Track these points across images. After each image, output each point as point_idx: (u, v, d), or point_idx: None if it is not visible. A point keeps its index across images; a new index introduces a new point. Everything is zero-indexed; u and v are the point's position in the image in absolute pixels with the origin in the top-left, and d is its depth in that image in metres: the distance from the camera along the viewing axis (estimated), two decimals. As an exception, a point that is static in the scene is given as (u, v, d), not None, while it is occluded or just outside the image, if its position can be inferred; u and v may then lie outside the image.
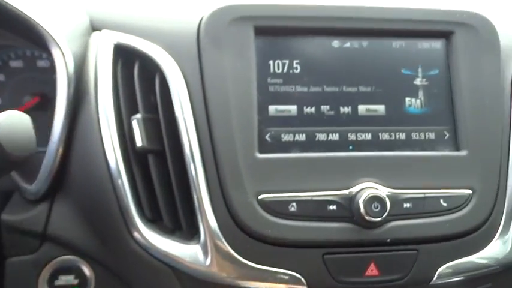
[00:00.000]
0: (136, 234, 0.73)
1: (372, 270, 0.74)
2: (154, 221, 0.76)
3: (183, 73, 0.76)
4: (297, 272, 0.73)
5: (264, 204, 0.73)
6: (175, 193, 0.74)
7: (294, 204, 0.73)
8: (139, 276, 0.77)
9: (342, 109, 0.79)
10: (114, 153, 0.74)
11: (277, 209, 0.73)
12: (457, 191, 0.77)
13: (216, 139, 0.73)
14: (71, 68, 0.75)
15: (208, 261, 0.72)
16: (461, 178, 0.78)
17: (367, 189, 0.74)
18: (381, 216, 0.72)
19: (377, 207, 0.72)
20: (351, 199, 0.74)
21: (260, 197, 0.73)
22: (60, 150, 0.76)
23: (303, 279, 0.73)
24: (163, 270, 0.74)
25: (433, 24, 0.82)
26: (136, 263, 0.75)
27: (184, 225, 0.75)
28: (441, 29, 0.82)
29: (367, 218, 0.72)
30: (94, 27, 0.83)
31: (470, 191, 0.77)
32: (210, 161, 0.73)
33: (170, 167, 0.74)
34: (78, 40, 0.80)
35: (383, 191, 0.74)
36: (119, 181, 0.74)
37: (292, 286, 0.73)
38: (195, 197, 0.73)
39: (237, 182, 0.73)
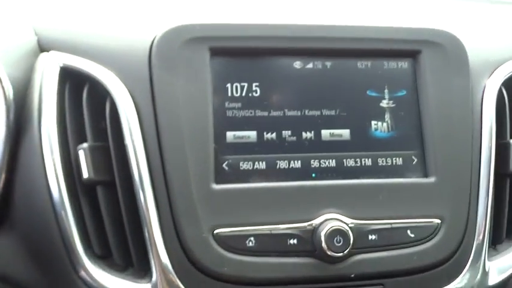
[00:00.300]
0: (82, 272, 0.68)
1: None
2: (103, 257, 0.71)
3: (133, 98, 0.71)
4: None
5: (220, 240, 0.68)
6: (126, 227, 0.69)
7: (252, 238, 0.69)
8: None
9: (304, 134, 0.74)
10: (58, 184, 0.68)
11: (234, 244, 0.68)
12: (425, 221, 0.73)
13: (169, 169, 0.69)
14: (10, 94, 0.69)
15: None
16: (429, 206, 0.74)
17: (330, 221, 0.69)
18: (344, 251, 0.68)
19: (339, 242, 0.68)
20: (313, 232, 0.69)
21: (216, 231, 0.68)
22: (3, 176, 0.71)
23: None
24: None
25: (399, 43, 0.78)
26: None
27: (136, 262, 0.70)
28: (408, 48, 0.78)
29: (329, 253, 0.68)
30: (42, 48, 0.77)
31: (439, 220, 0.73)
32: (162, 193, 0.68)
33: (120, 200, 0.69)
34: (22, 62, 0.74)
35: (347, 223, 0.70)
36: (63, 214, 0.68)
37: None
38: (145, 232, 0.68)
39: (191, 215, 0.68)
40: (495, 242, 0.81)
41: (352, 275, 0.70)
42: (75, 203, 0.69)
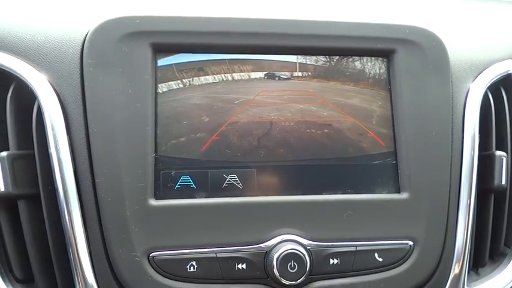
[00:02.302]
0: None
1: None
2: (26, 282, 0.62)
3: (61, 101, 0.62)
4: None
5: (156, 264, 0.59)
6: (51, 248, 0.61)
7: (194, 263, 0.60)
8: None
9: None
10: None
11: (173, 270, 0.59)
12: (395, 243, 0.64)
13: (99, 182, 0.60)
14: None
15: None
16: (401, 226, 0.65)
17: (284, 243, 0.61)
18: (299, 279, 0.59)
19: (294, 268, 0.59)
20: (265, 255, 0.61)
21: (152, 254, 0.59)
22: None
23: None
24: None
25: (371, 41, 0.69)
26: None
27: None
28: (381, 47, 0.69)
29: (283, 281, 0.59)
30: None
31: (411, 242, 0.65)
32: (91, 208, 0.60)
33: (45, 215, 0.61)
34: None
35: (304, 245, 0.61)
36: None
37: None
38: (70, 254, 0.59)
39: (124, 236, 0.59)
40: (477, 265, 0.72)
41: None
42: None
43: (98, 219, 0.60)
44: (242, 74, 0.66)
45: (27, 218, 0.61)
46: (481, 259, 0.71)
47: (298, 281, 0.59)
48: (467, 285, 0.68)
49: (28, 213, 0.61)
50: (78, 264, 0.59)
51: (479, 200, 0.71)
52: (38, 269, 0.61)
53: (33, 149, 0.62)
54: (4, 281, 0.60)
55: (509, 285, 0.71)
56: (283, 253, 0.59)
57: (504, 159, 0.71)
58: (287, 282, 0.59)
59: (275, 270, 0.59)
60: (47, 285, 0.61)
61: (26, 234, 0.61)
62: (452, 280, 0.66)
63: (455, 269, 0.66)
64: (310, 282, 0.61)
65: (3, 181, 0.60)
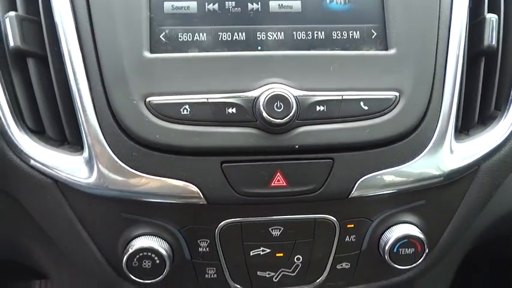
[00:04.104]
0: (13, 143, 0.66)
1: (278, 181, 0.65)
2: (39, 132, 0.68)
3: None
4: (192, 183, 0.64)
5: (152, 108, 0.64)
6: (58, 99, 0.66)
7: (187, 107, 0.64)
8: (23, 190, 0.69)
9: (250, 5, 0.69)
10: None
11: (168, 112, 0.64)
12: (381, 93, 0.67)
13: (99, 39, 0.65)
14: None
15: (91, 172, 0.65)
16: (387, 80, 0.67)
17: (272, 89, 0.64)
18: (285, 117, 0.62)
19: (280, 107, 0.63)
20: (254, 101, 0.64)
21: (148, 99, 0.64)
22: None
23: (199, 191, 0.64)
24: (46, 184, 0.67)
25: None
26: (17, 177, 0.68)
27: (69, 136, 0.67)
28: None
29: (269, 119, 0.62)
30: None
31: (397, 93, 0.67)
32: (92, 62, 0.65)
33: (52, 72, 0.66)
34: None
35: (291, 92, 0.64)
36: None
37: (188, 199, 0.65)
38: (76, 101, 0.65)
39: (121, 83, 0.64)
40: (467, 127, 0.74)
41: (297, 146, 0.64)
42: (6, 76, 0.67)
43: (99, 72, 0.65)
44: None
45: (36, 74, 0.67)
46: (470, 120, 0.73)
47: (285, 119, 0.62)
48: (455, 142, 0.70)
49: (37, 70, 0.67)
50: (83, 111, 0.64)
51: (470, 64, 0.72)
52: (48, 119, 0.67)
53: (39, 15, 0.68)
54: (19, 129, 0.66)
55: (497, 144, 0.72)
56: (270, 94, 0.62)
57: (494, 20, 0.71)
58: (274, 121, 0.62)
59: (262, 109, 0.62)
60: (55, 134, 0.67)
61: (35, 89, 0.67)
62: (439, 132, 0.68)
63: (442, 123, 0.68)
64: (297, 127, 0.65)
65: (13, 37, 0.65)
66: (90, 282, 0.79)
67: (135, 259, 0.66)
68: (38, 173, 0.67)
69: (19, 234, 0.78)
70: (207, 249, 0.69)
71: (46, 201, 0.68)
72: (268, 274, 0.72)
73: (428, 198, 0.70)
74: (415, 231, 0.69)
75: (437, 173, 0.69)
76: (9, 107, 0.66)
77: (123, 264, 0.67)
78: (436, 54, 0.69)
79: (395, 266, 0.70)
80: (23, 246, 0.80)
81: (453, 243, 0.77)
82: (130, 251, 0.66)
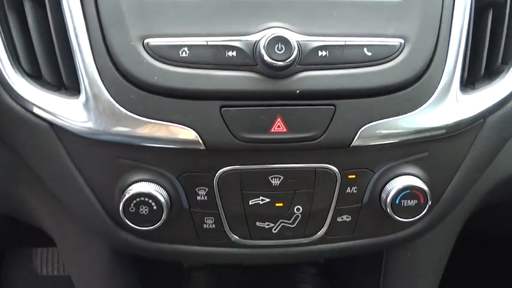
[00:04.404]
0: (8, 85, 0.65)
1: (278, 127, 0.64)
2: (36, 77, 0.67)
3: None
4: (190, 127, 0.63)
5: (150, 49, 0.62)
6: (55, 42, 0.65)
7: (186, 49, 0.62)
8: (19, 136, 0.68)
9: None
10: None
11: (166, 54, 0.62)
12: (386, 40, 0.65)
13: None
14: None
15: (88, 115, 0.63)
16: (392, 26, 0.65)
17: (273, 32, 0.62)
18: (286, 60, 0.60)
19: (281, 49, 0.61)
20: (255, 44, 0.63)
21: (146, 41, 0.62)
22: None
23: (197, 135, 0.63)
24: (42, 128, 0.66)
25: None
26: (13, 121, 0.66)
27: (66, 80, 0.65)
28: None
29: (270, 61, 0.61)
30: None
31: (402, 40, 0.65)
32: (89, 3, 0.63)
33: (48, 13, 0.65)
34: None
35: (292, 35, 0.62)
36: None
37: (186, 144, 0.64)
38: (73, 43, 0.63)
39: (119, 24, 0.62)
40: (473, 80, 0.72)
41: (298, 91, 0.63)
42: (1, 19, 0.66)
43: (97, 13, 0.63)
44: None
45: (33, 16, 0.65)
46: (476, 73, 0.71)
47: (286, 61, 0.60)
48: (461, 93, 0.68)
49: (34, 12, 0.65)
50: (80, 53, 0.63)
51: (478, 15, 0.70)
52: (44, 63, 0.65)
53: None
54: (15, 71, 0.65)
55: (503, 97, 0.70)
56: (271, 36, 0.61)
57: None
58: (275, 63, 0.60)
59: (263, 51, 0.60)
60: (52, 78, 0.66)
61: (32, 31, 0.65)
62: (444, 83, 0.66)
63: (447, 73, 0.66)
64: (298, 71, 0.63)
65: None
66: (88, 236, 0.78)
67: (132, 204, 0.65)
68: (33, 117, 0.66)
69: (16, 185, 0.77)
70: (205, 197, 0.68)
71: (42, 146, 0.67)
72: (268, 225, 0.71)
73: (432, 150, 0.69)
74: (418, 182, 0.68)
75: (441, 124, 0.67)
76: (5, 50, 0.65)
77: (120, 210, 0.66)
78: (443, 2, 0.68)
79: (397, 218, 0.68)
80: (20, 199, 0.79)
81: (456, 200, 0.75)
82: (127, 196, 0.65)
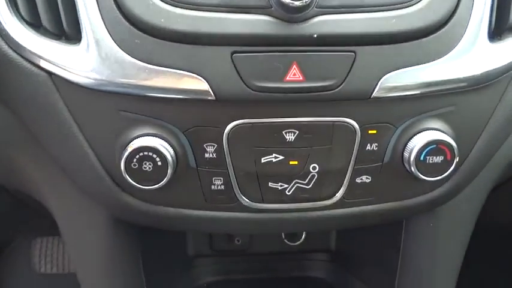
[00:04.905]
0: (5, 32, 0.60)
1: (294, 75, 0.59)
2: (35, 26, 0.62)
3: None
4: (198, 74, 0.58)
5: None
6: None
7: None
8: (14, 87, 0.64)
9: None
10: None
11: None
12: None
13: None
14: None
15: (89, 63, 0.59)
16: None
17: None
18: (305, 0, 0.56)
19: None
20: None
21: None
22: None
23: (206, 83, 0.58)
24: (39, 78, 0.61)
25: None
26: (8, 70, 0.62)
27: (67, 26, 0.60)
28: None
29: (285, 2, 0.55)
30: None
31: None
32: None
33: None
34: None
35: None
36: None
37: (194, 94, 0.59)
38: None
39: None
40: (500, 31, 0.67)
41: (315, 35, 0.58)
42: None
43: None
44: None
45: None
46: (504, 23, 0.66)
47: (302, 1, 0.55)
48: (488, 42, 0.64)
49: None
50: None
51: None
52: (44, 8, 0.60)
53: None
54: (12, 18, 0.60)
55: None
56: None
57: None
58: (291, 3, 0.56)
59: None
60: (52, 25, 0.61)
61: None
62: (470, 30, 0.61)
63: (474, 19, 0.61)
64: (316, 15, 0.58)
65: None
66: (87, 203, 0.73)
67: (135, 160, 0.60)
68: (31, 66, 0.61)
69: (10, 148, 0.72)
70: (214, 155, 0.63)
71: (39, 99, 0.62)
72: (281, 186, 0.66)
73: (458, 104, 0.64)
74: (444, 137, 0.63)
75: (468, 74, 0.62)
76: None
77: (122, 166, 0.60)
78: None
79: (422, 177, 0.63)
80: (15, 164, 0.74)
81: (484, 160, 0.70)
82: (130, 149, 0.60)
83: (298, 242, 1.11)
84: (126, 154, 0.60)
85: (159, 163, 0.61)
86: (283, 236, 1.10)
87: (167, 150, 0.61)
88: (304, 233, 1.11)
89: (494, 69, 0.63)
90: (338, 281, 1.11)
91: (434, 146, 0.62)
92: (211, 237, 1.07)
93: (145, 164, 0.61)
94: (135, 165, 0.61)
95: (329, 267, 1.13)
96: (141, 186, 0.62)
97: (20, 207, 1.13)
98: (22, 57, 0.61)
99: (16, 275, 1.52)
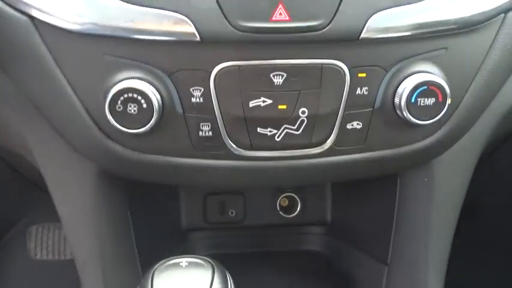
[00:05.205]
0: None
1: (280, 14, 0.58)
2: None
3: None
4: (182, 14, 0.57)
5: None
6: None
7: None
8: None
9: None
10: None
11: None
12: None
13: None
14: None
15: (72, 5, 0.58)
16: None
17: None
18: None
19: None
20: None
21: None
22: None
23: (190, 23, 0.57)
24: (21, 22, 0.60)
25: None
26: None
27: None
28: None
29: None
30: None
31: None
32: None
33: None
34: None
35: None
36: None
37: (179, 35, 0.58)
38: None
39: None
40: None
41: None
42: None
43: None
44: None
45: None
46: None
47: None
48: None
49: None
50: None
51: None
52: None
53: None
54: None
55: None
56: None
57: None
58: None
59: None
60: None
61: None
62: None
63: None
64: None
65: None
66: (73, 155, 0.72)
67: (119, 101, 0.59)
68: (11, 9, 0.60)
69: None
70: (201, 99, 0.62)
71: (21, 44, 0.61)
72: (270, 131, 0.64)
73: (449, 47, 0.63)
74: (435, 78, 0.61)
75: (457, 16, 0.61)
76: None
77: (106, 109, 0.59)
78: None
79: (414, 120, 0.62)
80: (2, 120, 0.73)
81: (478, 107, 0.69)
82: (114, 91, 0.59)
83: (294, 214, 1.10)
84: (110, 96, 0.59)
85: (144, 105, 0.59)
86: (278, 208, 1.09)
87: (153, 93, 0.60)
88: (299, 205, 1.10)
89: (484, 12, 0.62)
90: (334, 253, 1.09)
91: (425, 87, 0.61)
92: (204, 209, 1.06)
93: (130, 106, 0.59)
94: (119, 107, 0.59)
95: (325, 240, 1.12)
96: (126, 129, 0.60)
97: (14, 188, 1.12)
98: (1, 0, 0.60)
99: (12, 262, 1.50)
